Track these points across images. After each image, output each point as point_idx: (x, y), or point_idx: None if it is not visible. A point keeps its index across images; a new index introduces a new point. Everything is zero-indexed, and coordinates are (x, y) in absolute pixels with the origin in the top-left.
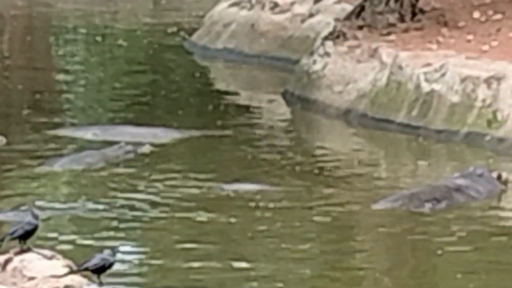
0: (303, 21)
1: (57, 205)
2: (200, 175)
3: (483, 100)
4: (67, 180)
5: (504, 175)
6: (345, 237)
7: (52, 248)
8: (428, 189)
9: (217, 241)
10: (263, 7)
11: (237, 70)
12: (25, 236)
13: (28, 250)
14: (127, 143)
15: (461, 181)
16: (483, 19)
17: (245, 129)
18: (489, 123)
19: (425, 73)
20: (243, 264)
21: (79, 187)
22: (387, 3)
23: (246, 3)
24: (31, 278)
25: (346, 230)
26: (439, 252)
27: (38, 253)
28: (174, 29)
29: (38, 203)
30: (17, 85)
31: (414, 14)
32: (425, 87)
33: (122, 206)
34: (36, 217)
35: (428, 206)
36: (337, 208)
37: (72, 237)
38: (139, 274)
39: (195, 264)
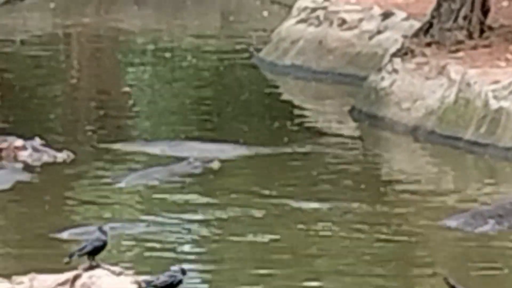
0: (371, 37)
1: (126, 221)
2: (268, 192)
3: None
4: (136, 196)
5: None
6: (409, 255)
7: (120, 264)
8: (492, 206)
9: (285, 262)
10: (331, 23)
11: (305, 87)
12: (94, 252)
13: (97, 266)
14: (195, 159)
15: None
16: None
17: (313, 146)
18: None
19: (493, 91)
20: (314, 284)
21: (148, 203)
22: (455, 20)
23: (314, 19)
24: None
25: (410, 247)
26: (506, 271)
27: (107, 269)
28: (242, 45)
29: (107, 219)
30: (85, 101)
31: (482, 31)
32: (493, 104)
33: (191, 224)
34: (105, 233)
35: (491, 223)
36: (403, 225)
37: (141, 253)
38: None
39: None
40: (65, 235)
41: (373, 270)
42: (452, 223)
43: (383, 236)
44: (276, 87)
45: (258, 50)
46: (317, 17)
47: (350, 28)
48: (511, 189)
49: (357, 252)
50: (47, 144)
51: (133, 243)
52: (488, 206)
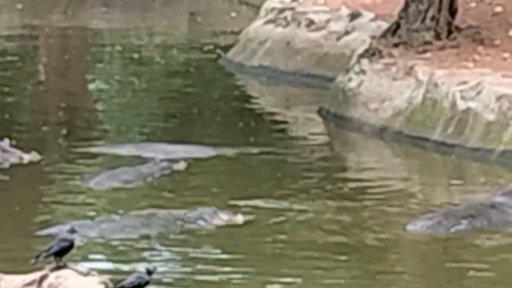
0: (338, 38)
1: (93, 222)
2: (234, 193)
3: None
4: (103, 197)
5: None
6: (378, 255)
7: (87, 264)
8: (464, 207)
9: (248, 262)
10: (298, 24)
11: (272, 87)
12: (61, 252)
13: (64, 266)
14: (162, 160)
15: (498, 199)
16: None
17: (279, 146)
18: None
19: (461, 91)
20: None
21: (115, 203)
22: (423, 21)
23: (281, 20)
24: None
25: (379, 248)
26: (470, 273)
27: (74, 270)
28: (210, 46)
29: (74, 219)
30: (53, 102)
31: (450, 32)
32: (461, 105)
33: (157, 224)
34: (72, 233)
35: (464, 223)
36: (371, 227)
37: (108, 254)
38: None
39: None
40: (33, 235)
41: (340, 274)
42: (424, 223)
43: (350, 239)
44: (244, 88)
45: (226, 51)
46: (285, 18)
47: (318, 29)
48: (479, 190)
49: (323, 253)
50: (15, 145)
51: (100, 243)
52: (460, 207)
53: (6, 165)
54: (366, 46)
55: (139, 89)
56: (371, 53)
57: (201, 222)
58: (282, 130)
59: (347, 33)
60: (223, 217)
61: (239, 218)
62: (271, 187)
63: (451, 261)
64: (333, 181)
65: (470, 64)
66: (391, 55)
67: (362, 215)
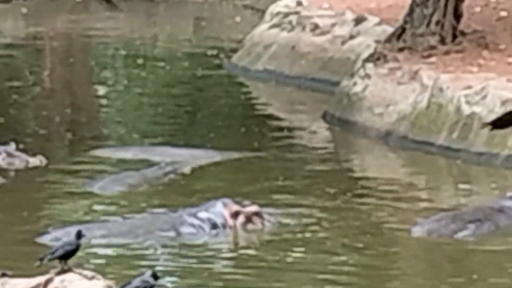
0: (343, 43)
1: (98, 225)
2: (239, 197)
3: None
4: (108, 201)
5: None
6: (384, 260)
7: (92, 268)
8: (471, 210)
9: (252, 270)
10: (303, 28)
11: (277, 92)
12: (66, 256)
13: (68, 270)
14: (167, 163)
15: (506, 203)
16: None
17: (284, 151)
18: None
19: (465, 96)
20: None
21: (120, 207)
22: (428, 25)
23: (286, 24)
24: None
25: (385, 253)
26: (474, 276)
27: (79, 274)
28: (214, 50)
29: (79, 223)
30: (58, 106)
31: (455, 37)
32: (466, 109)
33: (163, 227)
34: (78, 237)
35: (471, 228)
36: (376, 230)
37: (113, 258)
38: None
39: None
40: (38, 239)
41: (345, 279)
42: (430, 227)
43: (356, 243)
44: (249, 92)
45: (231, 56)
46: (290, 22)
47: (322, 33)
48: (484, 194)
49: (328, 260)
50: (21, 149)
51: (105, 247)
52: (467, 210)
53: (12, 169)
54: (371, 50)
55: (143, 93)
56: (376, 58)
57: (208, 224)
58: (287, 135)
59: (352, 37)
60: (234, 208)
61: (253, 208)
62: (275, 191)
63: (457, 265)
64: (338, 186)
65: (475, 69)
66: (396, 60)
67: (367, 219)
